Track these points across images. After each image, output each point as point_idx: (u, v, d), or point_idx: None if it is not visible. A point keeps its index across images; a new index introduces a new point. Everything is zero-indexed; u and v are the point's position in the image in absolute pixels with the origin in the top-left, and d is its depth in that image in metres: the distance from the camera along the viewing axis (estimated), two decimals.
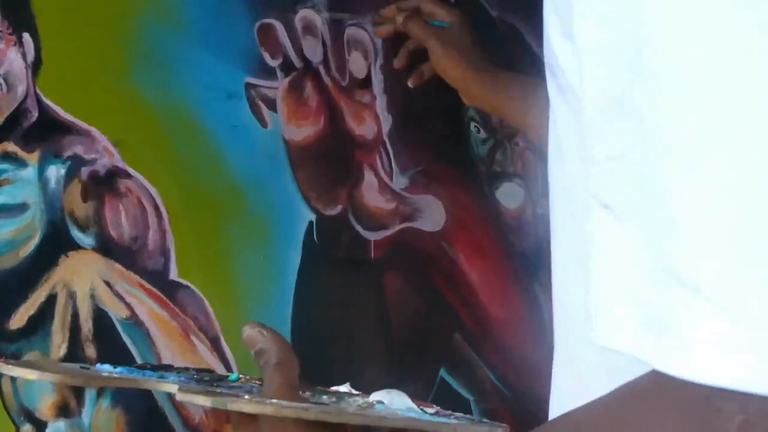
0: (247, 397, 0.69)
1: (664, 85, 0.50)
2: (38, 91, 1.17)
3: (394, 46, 1.43)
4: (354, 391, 0.77)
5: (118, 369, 0.75)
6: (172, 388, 0.71)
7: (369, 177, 1.43)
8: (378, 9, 1.43)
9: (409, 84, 1.41)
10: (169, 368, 0.79)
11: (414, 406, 0.73)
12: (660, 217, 0.50)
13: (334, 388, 0.79)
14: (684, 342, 0.49)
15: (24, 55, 1.16)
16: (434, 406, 0.77)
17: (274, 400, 0.68)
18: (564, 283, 0.65)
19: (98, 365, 0.76)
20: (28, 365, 0.76)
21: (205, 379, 0.76)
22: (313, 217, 1.37)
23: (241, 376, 0.78)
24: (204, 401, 0.67)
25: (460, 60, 1.30)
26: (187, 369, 0.80)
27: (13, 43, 1.15)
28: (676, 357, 0.49)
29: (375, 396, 0.74)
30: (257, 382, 0.77)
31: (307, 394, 0.76)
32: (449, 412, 0.77)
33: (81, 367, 0.79)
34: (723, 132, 0.49)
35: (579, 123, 0.56)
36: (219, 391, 0.72)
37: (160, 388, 0.73)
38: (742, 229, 0.49)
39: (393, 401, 0.73)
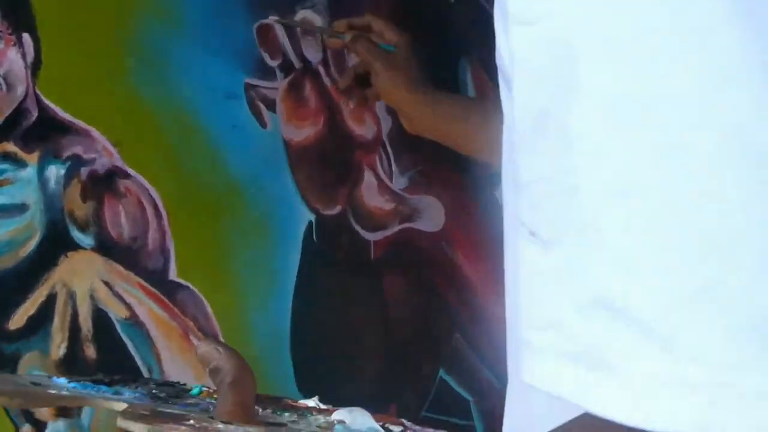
0: (192, 421, 0.67)
1: (595, 102, 0.47)
2: (38, 91, 1.17)
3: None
4: (321, 406, 0.76)
5: (72, 384, 0.73)
6: (121, 406, 0.69)
7: (368, 177, 1.43)
8: (377, 10, 1.43)
9: (350, 105, 1.40)
10: (128, 382, 0.77)
11: (376, 425, 0.72)
12: (589, 242, 0.46)
13: (302, 402, 0.77)
14: (620, 380, 0.44)
15: (24, 56, 1.16)
16: (403, 423, 0.76)
17: (231, 426, 0.67)
18: (509, 307, 0.60)
19: (54, 378, 0.75)
20: None
21: (160, 396, 0.74)
22: (312, 217, 1.37)
23: (204, 389, 0.76)
24: (140, 429, 0.66)
25: (403, 84, 1.26)
26: (147, 382, 0.78)
27: (12, 43, 1.15)
28: (611, 397, 0.44)
29: (337, 415, 0.72)
30: (215, 399, 0.76)
31: (268, 411, 0.74)
32: (418, 427, 0.76)
33: (32, 383, 0.77)
34: (656, 160, 0.45)
35: (510, 138, 0.53)
36: (168, 411, 0.70)
37: (109, 405, 0.71)
38: (684, 255, 0.44)
39: (355, 420, 0.72)
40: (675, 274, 0.44)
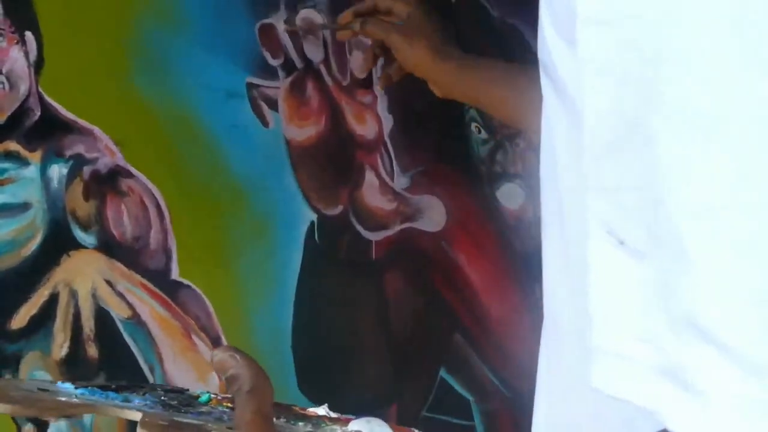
0: (213, 430, 0.66)
1: (680, 115, 0.45)
2: (40, 90, 1.16)
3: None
4: (332, 414, 0.75)
5: (80, 390, 0.72)
6: (136, 415, 0.67)
7: (370, 177, 1.43)
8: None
9: (379, 88, 1.39)
10: (135, 388, 0.75)
11: None
12: (676, 259, 0.45)
13: (311, 409, 0.76)
14: (704, 403, 0.43)
15: (26, 54, 1.16)
16: (414, 430, 0.75)
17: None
18: (554, 297, 0.59)
19: (59, 383, 0.73)
20: None
21: (172, 404, 0.72)
22: (314, 217, 1.37)
23: (212, 396, 0.75)
24: None
25: (425, 49, 1.23)
26: (155, 389, 0.76)
27: (15, 41, 1.15)
28: (693, 418, 0.43)
29: (354, 425, 0.71)
30: (229, 405, 0.74)
31: (282, 420, 0.73)
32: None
33: (39, 389, 0.75)
34: (746, 179, 0.44)
35: (574, 132, 0.51)
36: (186, 421, 0.68)
37: (123, 414, 0.69)
38: None
39: (373, 431, 0.71)
40: (766, 302, 0.43)
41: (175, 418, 0.67)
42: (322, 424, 0.72)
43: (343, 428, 0.71)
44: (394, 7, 1.27)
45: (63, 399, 0.69)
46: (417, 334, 1.47)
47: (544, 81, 0.56)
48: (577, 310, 0.53)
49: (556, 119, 0.55)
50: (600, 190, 0.48)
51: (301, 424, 0.72)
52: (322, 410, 0.75)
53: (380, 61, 1.38)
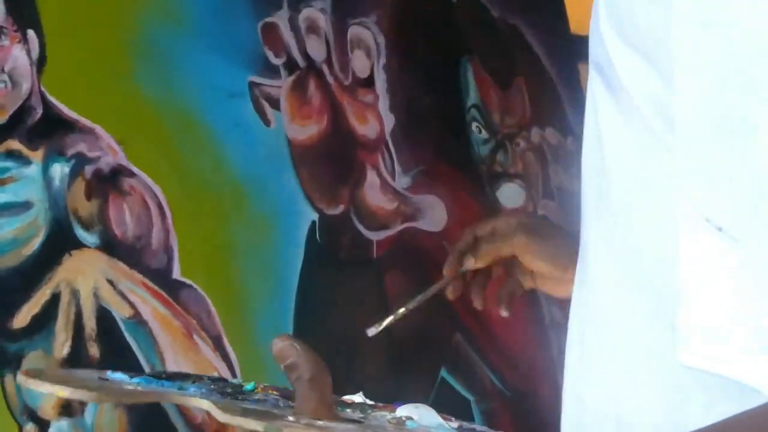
0: (291, 418, 0.66)
1: None
2: (43, 88, 1.16)
3: (396, 45, 1.42)
4: (368, 401, 0.75)
5: (135, 379, 0.71)
6: (206, 405, 0.66)
7: (371, 176, 1.43)
8: (380, 9, 1.43)
9: (503, 312, 1.22)
10: (184, 377, 0.75)
11: (443, 422, 0.71)
12: None
13: (347, 397, 0.76)
14: None
15: (29, 53, 1.15)
16: (453, 419, 0.75)
17: (330, 424, 0.64)
18: (597, 284, 0.61)
19: (110, 373, 0.73)
20: (54, 379, 0.71)
21: (227, 391, 0.72)
22: (315, 216, 1.37)
23: (257, 385, 0.74)
24: (256, 426, 0.64)
25: (549, 247, 1.12)
26: (201, 377, 0.76)
27: (17, 40, 1.14)
28: None
29: (402, 411, 0.71)
30: (274, 392, 0.74)
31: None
32: (472, 426, 0.75)
33: (99, 378, 0.75)
34: None
35: (628, 127, 0.54)
36: (254, 408, 0.68)
37: (192, 403, 0.68)
38: None
39: (422, 417, 0.71)
40: None
41: (244, 406, 0.67)
42: (369, 410, 0.72)
43: (392, 413, 0.71)
44: (498, 228, 1.17)
45: (130, 387, 0.69)
46: (417, 334, 1.47)
47: (595, 79, 0.58)
48: (626, 294, 0.56)
49: (608, 117, 0.57)
50: (698, 180, 0.50)
51: (348, 410, 0.72)
52: (358, 397, 0.75)
53: (382, 59, 1.38)
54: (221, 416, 0.63)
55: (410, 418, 0.70)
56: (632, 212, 0.56)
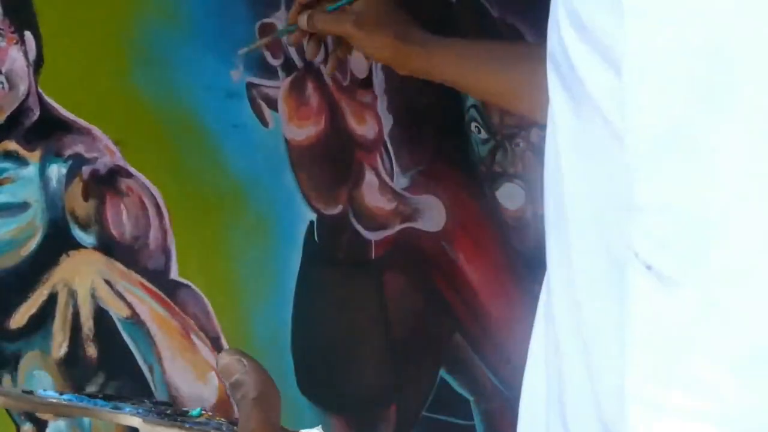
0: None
1: (757, 123, 0.39)
2: (40, 89, 1.17)
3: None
4: None
5: (65, 396, 0.70)
6: (133, 420, 0.65)
7: (370, 177, 1.43)
8: None
9: (327, 72, 1.31)
10: (123, 399, 0.74)
11: None
12: (740, 288, 0.39)
13: (304, 431, 0.74)
14: None
15: (26, 54, 1.16)
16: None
17: None
18: (556, 307, 0.55)
19: (41, 391, 0.72)
20: None
21: (167, 413, 0.71)
22: (313, 216, 1.37)
23: (203, 411, 0.73)
24: None
25: (388, 38, 1.15)
26: (142, 401, 0.74)
27: (14, 41, 1.15)
28: None
29: None
30: (222, 419, 0.73)
31: None
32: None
33: (24, 391, 0.74)
34: None
35: (583, 135, 0.47)
36: (188, 426, 0.66)
37: (118, 420, 0.67)
38: None
39: None
40: None
41: (175, 423, 0.65)
42: None
43: None
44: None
45: (54, 400, 0.68)
46: (417, 334, 1.47)
47: (552, 79, 0.51)
48: (579, 326, 0.49)
49: (563, 118, 0.50)
50: (627, 208, 0.43)
51: None
52: (316, 431, 0.73)
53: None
54: (144, 428, 0.61)
55: None
56: (586, 230, 0.50)
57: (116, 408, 0.67)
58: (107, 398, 0.71)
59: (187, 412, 0.70)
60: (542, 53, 0.53)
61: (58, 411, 0.74)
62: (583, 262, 0.50)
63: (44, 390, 0.71)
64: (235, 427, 0.65)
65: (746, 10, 0.39)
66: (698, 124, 0.40)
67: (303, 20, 1.19)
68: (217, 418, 0.69)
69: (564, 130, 0.51)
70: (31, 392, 0.71)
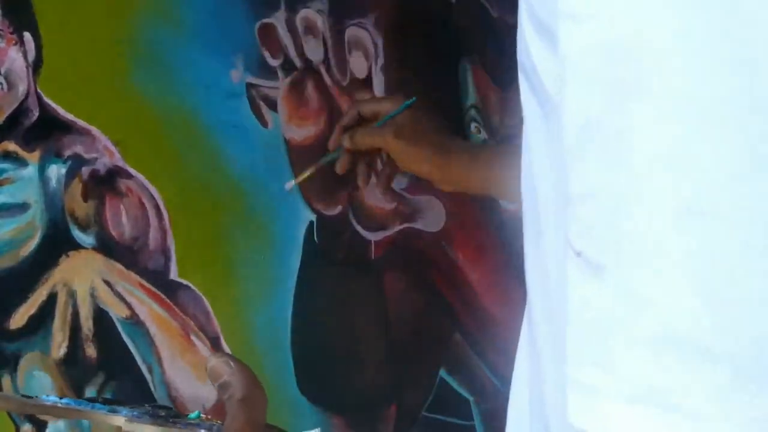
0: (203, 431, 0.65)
1: (666, 106, 0.41)
2: (39, 90, 1.17)
3: (395, 46, 1.42)
4: None
5: (64, 400, 0.71)
6: (119, 420, 0.66)
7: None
8: (378, 10, 1.43)
9: (379, 192, 1.33)
10: (122, 403, 0.75)
11: None
12: (650, 269, 0.40)
13: None
14: (703, 425, 0.39)
15: (25, 55, 1.16)
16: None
17: None
18: (531, 318, 0.55)
19: (43, 396, 0.73)
20: None
21: (160, 415, 0.72)
22: (313, 217, 1.37)
23: (202, 415, 0.74)
24: (154, 431, 0.63)
25: (423, 148, 1.15)
26: (142, 405, 0.75)
27: (14, 42, 1.15)
28: None
29: None
30: (217, 422, 0.74)
31: None
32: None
33: (23, 396, 0.75)
34: (749, 174, 0.39)
35: (550, 138, 0.48)
36: (172, 425, 0.67)
37: (108, 420, 0.68)
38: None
39: None
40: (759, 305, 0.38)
41: (162, 426, 0.66)
42: None
43: None
44: (380, 110, 1.20)
45: (49, 403, 0.69)
46: (417, 334, 1.47)
47: (523, 85, 0.52)
48: (552, 333, 0.49)
49: (534, 125, 0.51)
50: (561, 197, 0.45)
51: None
52: None
53: (380, 60, 1.38)
54: (125, 425, 0.62)
55: None
56: (548, 223, 0.51)
57: (113, 411, 0.68)
58: (106, 402, 0.71)
59: (186, 415, 0.70)
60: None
61: (56, 413, 0.74)
62: (552, 258, 0.50)
63: (46, 395, 0.71)
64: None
65: (651, 11, 0.41)
66: (613, 114, 0.42)
67: (346, 140, 1.21)
68: (216, 421, 0.70)
69: (534, 132, 0.52)
70: (30, 397, 0.71)
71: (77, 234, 1.18)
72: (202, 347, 1.24)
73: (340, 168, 1.24)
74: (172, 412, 0.72)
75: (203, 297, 1.26)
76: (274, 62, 1.36)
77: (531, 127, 0.51)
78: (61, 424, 1.15)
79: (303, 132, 1.37)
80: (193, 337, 1.24)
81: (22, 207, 1.15)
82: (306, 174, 1.27)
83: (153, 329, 1.21)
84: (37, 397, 0.72)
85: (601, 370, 0.42)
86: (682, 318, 0.40)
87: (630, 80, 0.42)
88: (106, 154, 1.21)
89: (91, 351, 1.17)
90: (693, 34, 0.41)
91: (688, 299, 0.40)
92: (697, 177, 0.40)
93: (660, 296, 0.40)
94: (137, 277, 1.21)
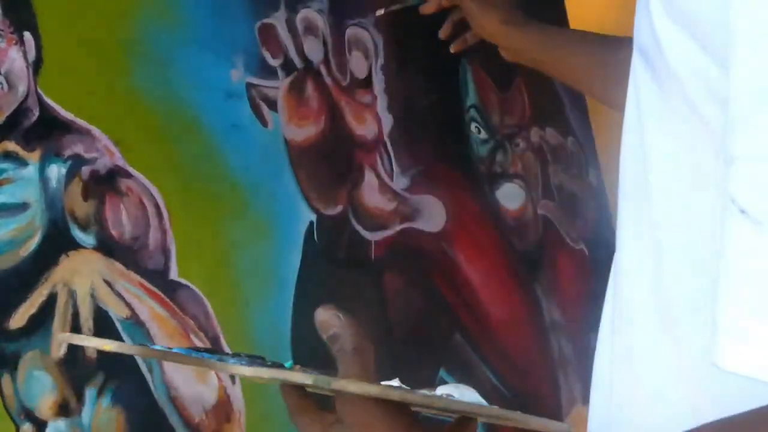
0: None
1: None
2: (39, 90, 1.17)
3: (395, 45, 1.42)
4: (405, 387, 0.75)
5: (175, 349, 0.72)
6: (249, 371, 0.67)
7: (369, 177, 1.43)
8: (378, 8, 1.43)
9: (451, 50, 1.45)
10: (220, 352, 0.76)
11: (483, 401, 0.71)
12: None
13: (384, 383, 0.76)
14: None
15: (25, 54, 1.16)
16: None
17: (375, 385, 0.65)
18: (628, 270, 0.59)
19: (149, 345, 0.74)
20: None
21: (267, 364, 0.73)
22: (313, 217, 1.37)
23: (295, 365, 0.75)
24: (305, 379, 0.64)
25: (495, 15, 1.32)
26: (238, 354, 0.76)
27: (14, 42, 1.15)
28: None
29: (443, 390, 0.72)
30: (314, 371, 0.75)
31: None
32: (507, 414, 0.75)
33: (139, 344, 0.76)
34: None
35: (672, 114, 0.52)
36: (286, 373, 0.68)
37: (227, 370, 0.69)
38: None
39: (463, 394, 0.71)
40: None
41: (275, 371, 0.66)
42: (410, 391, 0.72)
43: (432, 391, 0.71)
44: None
45: (162, 349, 0.70)
46: (417, 334, 1.47)
47: (639, 65, 0.56)
48: (653, 282, 0.53)
49: (650, 104, 0.55)
50: (729, 161, 0.48)
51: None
52: (395, 382, 0.75)
53: (380, 60, 1.39)
54: (267, 373, 0.63)
55: (451, 395, 0.71)
56: (672, 201, 0.54)
57: (221, 360, 0.70)
58: (210, 352, 0.73)
59: (281, 364, 0.72)
60: (610, 41, 0.58)
61: (172, 358, 0.75)
62: (665, 216, 0.55)
63: (152, 345, 0.72)
64: (330, 378, 0.68)
65: None
66: None
67: None
68: (308, 371, 0.71)
69: (648, 109, 0.56)
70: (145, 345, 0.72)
71: (77, 234, 1.18)
72: (202, 347, 1.24)
73: (426, 8, 1.42)
74: (269, 361, 0.73)
75: (203, 297, 1.26)
76: (274, 62, 1.36)
77: (644, 101, 0.55)
78: (61, 423, 1.15)
79: (303, 132, 1.37)
80: (192, 337, 1.24)
81: (22, 207, 1.15)
82: (394, 8, 1.42)
83: (153, 329, 1.21)
84: (143, 344, 0.73)
85: (759, 319, 0.45)
86: None
87: None
88: (106, 153, 1.21)
89: (91, 351, 1.17)
90: None
91: None
92: None
93: None
94: (137, 277, 1.21)
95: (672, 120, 0.54)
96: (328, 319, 0.69)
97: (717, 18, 0.49)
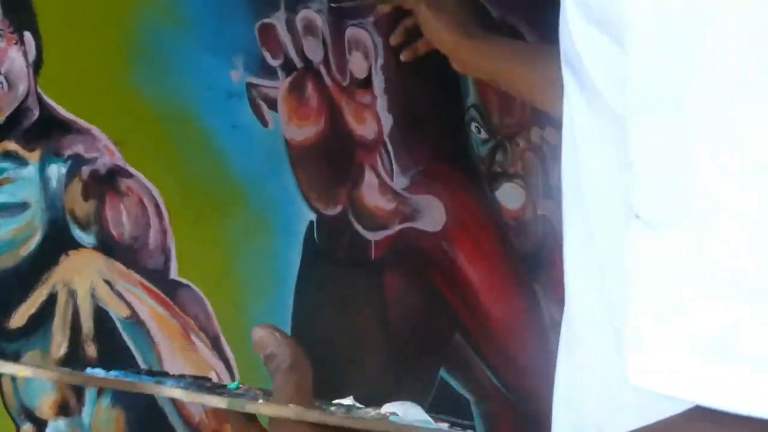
0: (261, 401, 0.66)
1: (726, 67, 0.43)
2: (39, 90, 1.17)
3: (396, 45, 1.42)
4: (357, 405, 0.74)
5: (112, 372, 0.72)
6: (175, 393, 0.67)
7: (369, 177, 1.43)
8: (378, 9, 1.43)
9: (402, 58, 1.38)
10: (165, 374, 0.76)
11: (429, 419, 0.71)
12: (714, 223, 0.42)
13: (337, 401, 0.76)
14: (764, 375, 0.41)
15: (25, 54, 1.16)
16: (445, 420, 0.75)
17: (291, 405, 0.65)
18: (577, 290, 0.58)
19: (88, 369, 0.73)
20: (25, 363, 0.72)
21: (206, 386, 0.73)
22: (313, 216, 1.37)
23: (241, 384, 0.75)
24: (219, 402, 0.64)
25: (449, 24, 1.25)
26: (183, 376, 0.76)
27: (14, 42, 1.15)
28: (755, 388, 0.41)
29: (388, 408, 0.71)
30: (258, 391, 0.74)
31: (316, 404, 0.73)
32: (466, 422, 0.75)
33: (68, 368, 0.76)
34: None
35: (596, 121, 0.51)
36: (225, 396, 0.68)
37: (163, 393, 0.69)
38: None
39: (407, 413, 0.70)
40: None
41: (215, 395, 0.66)
42: (353, 408, 0.71)
43: (376, 410, 0.70)
44: None
45: (101, 376, 0.69)
46: (417, 334, 1.47)
47: (565, 71, 0.55)
48: (600, 300, 0.52)
49: (580, 114, 0.54)
50: (626, 166, 0.47)
51: (333, 408, 0.71)
52: (348, 401, 0.74)
53: (380, 60, 1.39)
54: (186, 397, 0.63)
55: (394, 414, 0.70)
56: (607, 219, 0.53)
57: (159, 383, 0.69)
58: (151, 374, 0.72)
59: (225, 385, 0.71)
60: (554, 52, 0.56)
61: (106, 385, 0.74)
62: (601, 232, 0.54)
63: (91, 368, 0.72)
64: (270, 397, 0.67)
65: None
66: (675, 79, 0.44)
67: None
68: (255, 390, 0.70)
69: (578, 117, 0.55)
70: (77, 369, 0.72)
71: (77, 233, 1.18)
72: (203, 347, 1.24)
73: (378, 9, 1.36)
74: (213, 382, 0.72)
75: (203, 296, 1.26)
76: (274, 62, 1.36)
77: (574, 110, 0.53)
78: (61, 423, 1.15)
79: (303, 132, 1.37)
80: (193, 337, 1.24)
81: (23, 206, 1.15)
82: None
83: (153, 328, 1.21)
84: (85, 371, 0.72)
85: (663, 324, 0.43)
86: (746, 269, 0.41)
87: (689, 47, 0.44)
88: (106, 153, 1.21)
89: (91, 350, 1.17)
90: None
91: (754, 250, 0.41)
92: (764, 134, 0.42)
93: (725, 250, 0.42)
94: (137, 277, 1.21)
95: (596, 126, 0.53)
96: (264, 337, 0.66)
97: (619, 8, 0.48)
